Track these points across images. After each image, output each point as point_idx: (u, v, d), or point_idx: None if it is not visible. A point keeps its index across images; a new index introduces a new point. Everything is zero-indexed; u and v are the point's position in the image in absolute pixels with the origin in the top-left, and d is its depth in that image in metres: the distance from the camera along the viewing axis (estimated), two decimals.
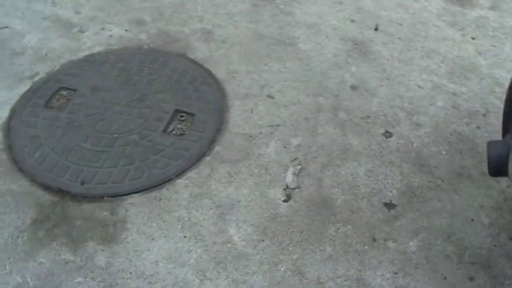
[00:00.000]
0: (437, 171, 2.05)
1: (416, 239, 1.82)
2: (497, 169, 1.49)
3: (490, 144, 1.51)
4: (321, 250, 1.78)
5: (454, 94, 2.38)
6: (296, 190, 1.96)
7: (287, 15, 2.86)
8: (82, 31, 2.71)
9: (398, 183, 2.01)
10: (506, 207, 1.91)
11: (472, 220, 1.88)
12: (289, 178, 2.00)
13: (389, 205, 1.93)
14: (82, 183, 1.94)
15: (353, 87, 2.41)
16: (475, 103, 2.35)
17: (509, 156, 1.40)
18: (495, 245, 1.80)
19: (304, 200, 1.93)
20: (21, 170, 2.02)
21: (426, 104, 2.33)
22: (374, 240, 1.82)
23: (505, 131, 1.72)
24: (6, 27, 2.71)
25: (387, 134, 2.19)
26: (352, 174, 2.03)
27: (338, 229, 1.85)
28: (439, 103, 2.34)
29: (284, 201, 1.92)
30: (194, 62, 2.54)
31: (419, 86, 2.42)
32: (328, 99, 2.35)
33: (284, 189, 1.96)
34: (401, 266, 1.74)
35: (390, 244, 1.81)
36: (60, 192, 1.94)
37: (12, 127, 2.18)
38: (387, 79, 2.46)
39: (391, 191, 1.98)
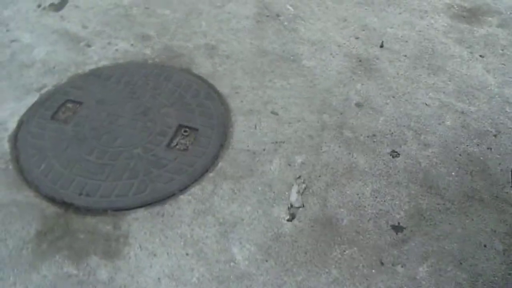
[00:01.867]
0: (447, 193, 2.02)
1: (425, 264, 1.80)
2: None
3: None
4: (327, 272, 1.76)
5: (462, 113, 2.37)
6: (301, 209, 1.95)
7: (291, 31, 2.87)
8: (89, 45, 2.72)
9: (405, 204, 1.99)
10: None
11: (485, 246, 1.85)
12: (294, 197, 1.99)
13: (396, 228, 1.91)
14: (80, 194, 1.94)
15: (358, 105, 2.41)
16: (485, 123, 2.33)
17: None
18: (510, 274, 1.77)
19: (308, 219, 1.92)
20: (26, 181, 2.02)
21: (434, 123, 2.32)
22: (382, 263, 1.79)
23: None
24: (16, 40, 2.73)
25: (394, 154, 2.18)
26: (358, 194, 2.02)
27: (344, 251, 1.83)
28: (448, 122, 2.33)
29: (288, 220, 1.91)
30: (198, 77, 2.54)
31: (426, 105, 2.41)
32: (332, 117, 2.34)
33: (289, 208, 1.95)
34: None
35: (399, 268, 1.78)
36: (64, 204, 1.94)
37: (20, 138, 2.19)
38: (393, 97, 2.45)
39: (398, 213, 1.96)
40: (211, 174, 2.07)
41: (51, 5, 3.01)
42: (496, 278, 1.75)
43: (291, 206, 1.96)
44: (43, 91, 2.43)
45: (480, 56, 2.72)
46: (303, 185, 2.04)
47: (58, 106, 2.33)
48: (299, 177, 2.07)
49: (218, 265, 1.76)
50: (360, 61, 2.66)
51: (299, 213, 1.94)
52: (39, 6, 3.00)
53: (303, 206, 1.96)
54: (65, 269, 1.73)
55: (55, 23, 2.87)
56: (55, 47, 2.70)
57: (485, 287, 1.73)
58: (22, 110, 2.32)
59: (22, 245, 1.80)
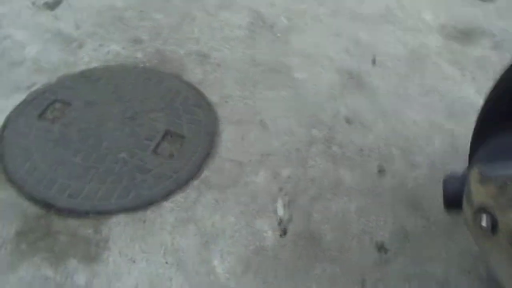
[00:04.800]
0: (432, 215, 2.02)
1: (407, 286, 1.79)
2: (452, 203, 1.43)
3: (446, 178, 1.47)
4: None
5: (452, 135, 2.38)
6: (283, 223, 1.94)
7: (283, 43, 2.88)
8: (81, 46, 2.71)
9: (390, 225, 1.98)
10: None
11: (469, 272, 1.84)
12: (281, 211, 1.98)
13: (380, 248, 1.90)
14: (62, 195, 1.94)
15: (348, 120, 2.41)
16: None
17: (464, 192, 1.34)
18: None
19: (291, 234, 1.91)
20: (10, 180, 2.01)
21: (422, 143, 2.33)
22: (364, 283, 1.79)
23: (469, 162, 1.65)
24: (8, 37, 2.72)
25: (381, 172, 2.18)
26: (342, 211, 2.02)
27: (325, 268, 1.82)
28: (436, 143, 2.34)
29: (281, 236, 1.90)
30: (188, 83, 2.54)
31: (416, 124, 2.42)
32: (321, 131, 2.34)
33: (279, 224, 1.94)
34: None
35: None
36: (46, 205, 1.93)
37: (5, 137, 2.17)
38: (383, 114, 2.46)
39: (382, 233, 1.95)
40: (195, 182, 2.07)
41: (45, 3, 3.00)
42: None
43: (281, 221, 1.95)
44: (32, 89, 2.41)
45: (473, 78, 2.74)
46: (287, 198, 2.03)
47: (46, 105, 2.32)
48: (285, 190, 2.07)
49: (198, 277, 1.75)
50: (351, 76, 2.67)
51: (282, 227, 1.93)
52: (33, 4, 2.99)
53: (292, 219, 1.95)
54: (43, 271, 1.72)
55: (48, 22, 2.86)
56: (47, 46, 2.69)
57: None
58: (10, 107, 2.31)
59: (1, 244, 1.78)
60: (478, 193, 1.22)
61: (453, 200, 1.40)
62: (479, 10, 3.24)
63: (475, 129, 1.58)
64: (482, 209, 1.19)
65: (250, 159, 2.18)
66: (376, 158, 2.24)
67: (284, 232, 1.91)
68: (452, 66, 2.81)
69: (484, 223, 1.16)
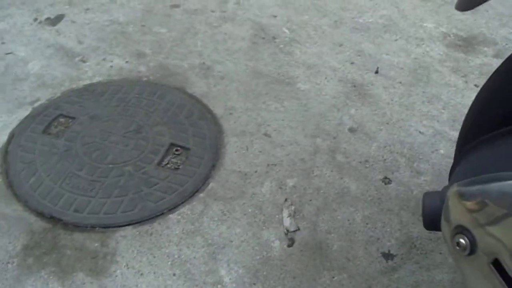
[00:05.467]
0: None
1: None
2: (432, 222, 1.39)
3: (426, 195, 1.43)
4: None
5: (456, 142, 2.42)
6: (290, 233, 1.98)
7: (286, 54, 2.94)
8: (84, 61, 2.77)
9: (397, 232, 2.03)
10: None
11: None
12: (287, 222, 2.02)
13: (387, 255, 1.94)
14: (68, 210, 1.98)
15: (352, 130, 2.46)
16: None
17: (443, 210, 1.31)
18: None
19: (298, 243, 1.95)
20: (15, 194, 2.05)
21: (427, 151, 2.38)
22: None
23: (449, 179, 1.65)
24: (11, 53, 2.78)
25: (386, 180, 2.23)
26: (348, 220, 2.06)
27: (333, 277, 1.86)
28: (441, 151, 2.38)
29: (289, 246, 1.94)
30: (192, 96, 2.60)
31: (420, 132, 2.47)
32: (325, 141, 2.39)
33: (286, 234, 1.98)
34: None
35: None
36: (53, 219, 1.97)
37: (10, 152, 2.22)
38: (387, 123, 2.51)
39: (389, 241, 1.99)
40: (201, 195, 2.11)
41: (47, 19, 3.07)
42: None
43: (288, 231, 1.99)
44: (36, 104, 2.47)
45: (475, 85, 2.79)
46: (293, 208, 2.07)
47: (51, 120, 2.38)
48: (290, 200, 2.11)
49: (205, 286, 1.79)
50: (354, 86, 2.73)
51: (289, 237, 1.97)
52: (35, 20, 3.06)
53: (299, 229, 1.99)
54: (50, 285, 1.75)
55: (50, 38, 2.93)
56: (50, 61, 2.75)
57: None
58: (14, 123, 2.36)
59: (8, 259, 1.83)
60: (456, 210, 1.21)
61: (432, 218, 1.38)
62: (480, 18, 3.31)
63: (457, 144, 1.60)
64: (460, 228, 1.17)
65: (255, 170, 2.22)
66: (381, 166, 2.28)
67: (292, 242, 1.95)
68: (455, 74, 2.86)
69: (461, 243, 1.14)
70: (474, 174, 1.24)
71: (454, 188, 1.21)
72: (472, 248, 1.12)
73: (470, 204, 1.15)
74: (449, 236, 1.23)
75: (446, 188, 1.37)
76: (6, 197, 2.04)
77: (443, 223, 1.28)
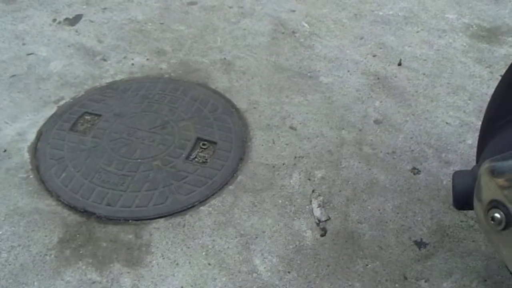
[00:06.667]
0: (470, 211, 2.13)
1: (450, 280, 1.90)
2: (462, 201, 1.46)
3: (456, 174, 1.49)
4: (349, 285, 1.87)
5: None
6: (321, 223, 2.06)
7: (307, 48, 3.03)
8: (105, 59, 2.88)
9: (428, 221, 2.10)
10: None
11: None
12: (317, 212, 2.11)
13: (419, 244, 2.02)
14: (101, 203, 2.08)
15: (377, 122, 2.54)
16: None
17: (475, 188, 1.35)
18: None
19: (330, 233, 2.04)
20: (47, 190, 2.16)
21: (454, 142, 2.45)
22: (405, 278, 1.90)
23: (477, 160, 1.72)
24: (32, 53, 2.89)
25: (415, 171, 2.31)
26: (379, 210, 2.14)
27: (367, 265, 1.94)
28: (469, 141, 2.46)
29: (322, 235, 2.02)
30: (215, 91, 2.70)
31: (447, 123, 2.55)
32: (351, 133, 2.48)
33: (317, 224, 2.06)
34: None
35: (423, 283, 1.89)
36: (86, 213, 2.07)
37: (39, 149, 2.32)
38: (413, 114, 2.59)
39: (421, 229, 2.07)
40: (230, 187, 2.20)
41: (66, 19, 3.19)
42: None
43: (319, 221, 2.07)
44: (61, 103, 2.58)
45: (501, 76, 2.86)
46: (321, 198, 2.16)
47: (77, 118, 2.48)
48: (319, 191, 2.19)
49: (241, 275, 1.88)
50: (378, 78, 2.81)
51: (321, 227, 2.05)
52: (54, 20, 3.17)
53: (329, 218, 2.08)
54: (89, 276, 1.85)
55: (70, 37, 3.04)
56: (71, 61, 2.86)
57: None
58: (41, 121, 2.47)
59: (46, 251, 1.92)
60: (488, 187, 1.26)
61: (463, 196, 1.45)
62: (503, 9, 3.39)
63: (483, 124, 1.67)
64: (494, 202, 1.23)
65: (283, 162, 2.31)
66: (408, 157, 2.36)
67: (324, 232, 2.03)
68: (479, 65, 2.94)
69: (495, 218, 1.20)
70: (504, 151, 1.31)
71: (486, 164, 1.28)
72: (508, 221, 1.19)
73: (502, 180, 1.21)
74: (482, 213, 1.30)
75: (477, 167, 1.46)
76: (39, 193, 2.14)
77: (476, 201, 1.35)
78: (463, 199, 1.46)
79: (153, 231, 2.01)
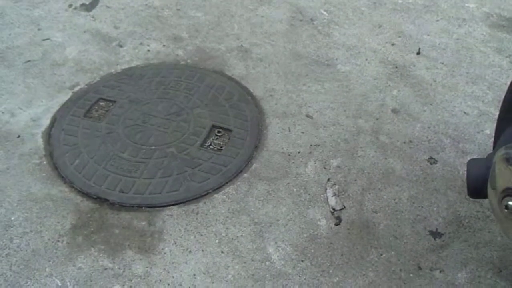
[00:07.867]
0: (485, 201, 2.08)
1: (464, 271, 1.87)
2: (476, 190, 1.43)
3: (471, 162, 1.47)
4: (363, 275, 1.84)
5: None
6: (336, 212, 2.03)
7: (325, 36, 2.98)
8: (121, 45, 2.86)
9: (444, 211, 2.06)
10: None
11: None
12: (332, 201, 2.07)
13: (435, 234, 1.98)
14: (114, 190, 2.07)
15: (395, 111, 2.50)
16: None
17: (489, 176, 1.34)
18: None
19: (344, 222, 2.00)
20: (61, 176, 2.14)
21: (472, 132, 2.40)
22: (420, 268, 1.87)
23: (494, 147, 1.67)
24: (48, 39, 2.88)
25: (432, 160, 2.26)
26: (394, 199, 2.10)
27: (381, 254, 1.91)
28: (487, 131, 2.40)
29: (336, 224, 1.99)
30: (231, 79, 2.66)
31: (465, 113, 2.49)
32: (368, 122, 2.43)
33: (332, 213, 2.03)
34: None
35: (437, 274, 1.86)
36: (99, 199, 2.06)
37: (53, 135, 2.31)
38: (430, 104, 2.54)
39: (436, 219, 2.03)
40: (245, 175, 2.17)
41: (82, 5, 3.17)
42: None
43: (334, 210, 2.04)
44: (76, 89, 2.56)
45: None
46: (336, 187, 2.12)
47: (91, 104, 2.47)
48: (335, 180, 2.16)
49: (254, 263, 1.85)
50: (396, 67, 2.76)
51: (335, 216, 2.02)
52: (70, 6, 3.16)
53: (344, 207, 2.05)
54: (101, 262, 1.84)
55: (86, 23, 3.02)
56: (87, 47, 2.84)
57: None
58: (55, 107, 2.46)
59: (58, 237, 1.91)
60: (503, 175, 1.25)
61: (477, 184, 1.42)
62: None
63: (500, 112, 1.62)
64: (509, 190, 1.22)
65: (298, 151, 2.28)
66: (425, 147, 2.32)
67: (339, 221, 2.00)
68: (499, 55, 2.87)
69: (510, 206, 1.19)
70: None
71: (502, 151, 1.27)
72: None
73: None
74: (496, 200, 1.28)
75: (492, 154, 1.42)
76: (52, 179, 2.13)
77: (490, 189, 1.33)
78: (477, 187, 1.44)
79: (166, 218, 1.99)
